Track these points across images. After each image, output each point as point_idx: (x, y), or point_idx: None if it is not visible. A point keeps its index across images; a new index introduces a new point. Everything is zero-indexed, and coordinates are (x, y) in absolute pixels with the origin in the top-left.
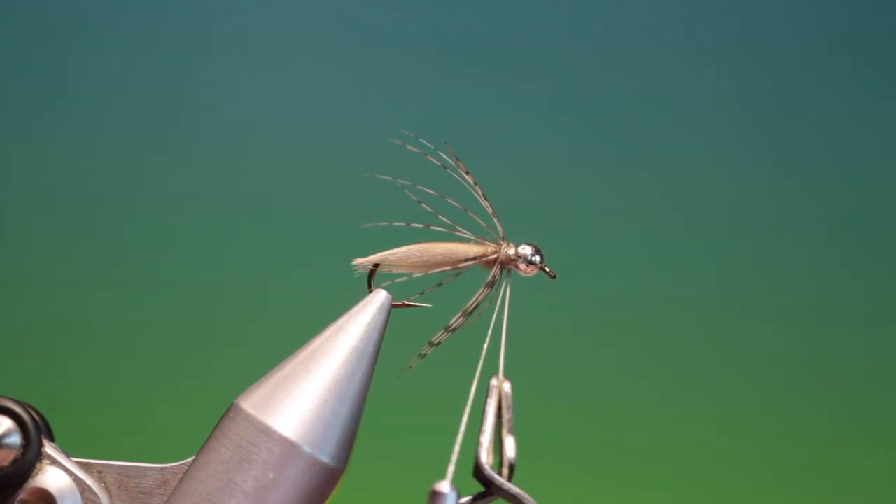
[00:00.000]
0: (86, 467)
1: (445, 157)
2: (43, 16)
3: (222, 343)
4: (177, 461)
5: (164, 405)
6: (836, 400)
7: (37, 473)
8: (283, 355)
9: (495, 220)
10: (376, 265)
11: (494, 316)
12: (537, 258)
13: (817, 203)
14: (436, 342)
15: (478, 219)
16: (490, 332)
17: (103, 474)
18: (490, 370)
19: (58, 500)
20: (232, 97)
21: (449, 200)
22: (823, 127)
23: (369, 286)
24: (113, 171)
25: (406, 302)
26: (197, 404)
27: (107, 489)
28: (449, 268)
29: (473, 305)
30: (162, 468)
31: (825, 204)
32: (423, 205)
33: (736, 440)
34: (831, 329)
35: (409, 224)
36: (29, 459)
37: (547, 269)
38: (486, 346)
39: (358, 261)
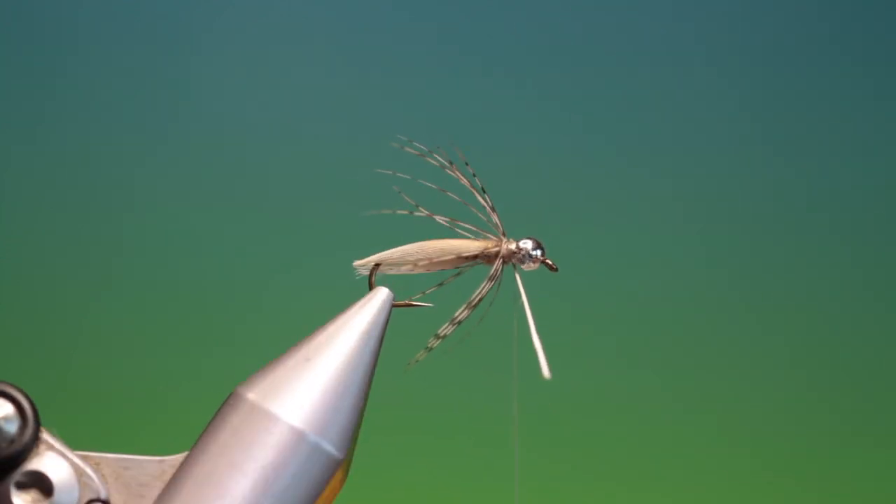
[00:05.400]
0: (83, 459)
1: (440, 159)
2: (38, 14)
3: (222, 341)
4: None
5: (164, 404)
6: (846, 401)
7: (34, 456)
8: (282, 353)
9: (494, 216)
10: (376, 265)
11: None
12: (538, 252)
13: (827, 202)
14: (441, 335)
15: (479, 213)
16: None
17: (100, 466)
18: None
19: (54, 482)
20: (230, 96)
21: (450, 194)
22: (833, 127)
23: (370, 287)
24: (111, 169)
25: (408, 301)
26: (196, 403)
27: (104, 481)
28: (450, 265)
29: (478, 298)
30: (160, 460)
31: (835, 203)
32: (420, 209)
33: (747, 442)
34: (841, 330)
35: (412, 213)
36: (26, 441)
37: (549, 262)
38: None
39: (358, 263)
